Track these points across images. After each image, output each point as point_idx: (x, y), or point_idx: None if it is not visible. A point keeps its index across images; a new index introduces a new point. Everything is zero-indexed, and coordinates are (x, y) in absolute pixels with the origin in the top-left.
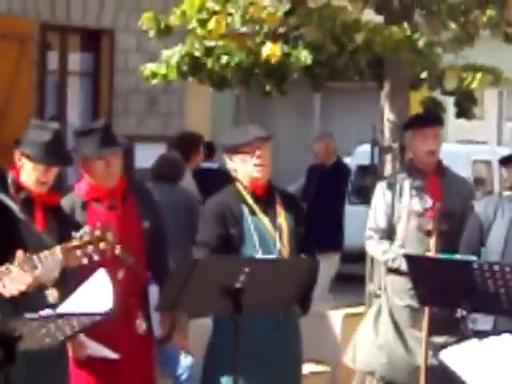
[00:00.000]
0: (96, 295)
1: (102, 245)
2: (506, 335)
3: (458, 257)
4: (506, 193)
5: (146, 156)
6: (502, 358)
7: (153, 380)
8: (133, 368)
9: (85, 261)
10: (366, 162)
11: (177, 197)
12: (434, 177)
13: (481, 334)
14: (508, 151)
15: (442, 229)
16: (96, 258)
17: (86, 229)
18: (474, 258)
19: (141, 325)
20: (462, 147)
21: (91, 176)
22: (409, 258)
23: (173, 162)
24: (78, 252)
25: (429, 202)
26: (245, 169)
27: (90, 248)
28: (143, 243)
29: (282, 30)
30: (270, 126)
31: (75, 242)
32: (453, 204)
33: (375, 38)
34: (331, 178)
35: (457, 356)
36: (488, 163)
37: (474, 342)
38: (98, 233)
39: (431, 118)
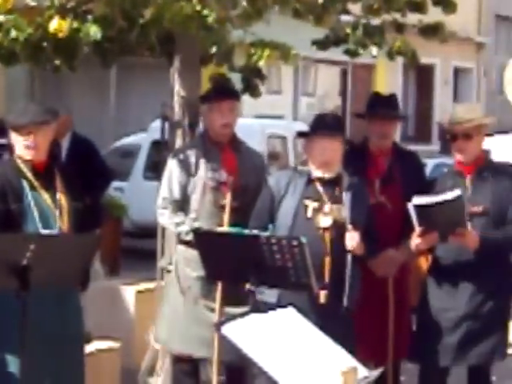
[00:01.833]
0: None
1: None
2: (289, 308)
3: (246, 231)
4: (300, 167)
5: None
6: (283, 330)
7: None
8: None
9: None
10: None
11: None
12: (228, 151)
13: (266, 306)
14: (303, 126)
15: (235, 203)
16: None
17: None
18: (264, 232)
19: None
20: (256, 122)
21: None
22: (197, 232)
23: None
24: None
25: (223, 176)
26: (17, 147)
27: None
28: None
29: (71, 4)
30: (65, 102)
31: None
32: (247, 178)
33: (164, 13)
34: (68, 156)
35: (238, 329)
36: (283, 138)
37: (256, 314)
38: None
39: (227, 91)
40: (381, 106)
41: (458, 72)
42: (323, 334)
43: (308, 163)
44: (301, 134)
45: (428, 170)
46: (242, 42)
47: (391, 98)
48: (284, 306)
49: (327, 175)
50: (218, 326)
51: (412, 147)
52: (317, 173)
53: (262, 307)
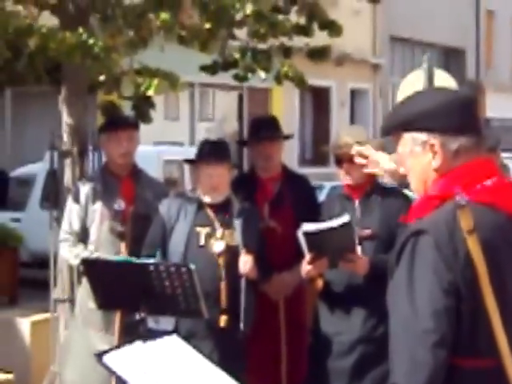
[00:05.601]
0: None
1: None
2: (173, 336)
3: (134, 259)
4: (190, 193)
5: None
6: (166, 358)
7: None
8: None
9: None
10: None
11: None
12: (127, 179)
13: (151, 334)
14: None
15: (133, 232)
16: None
17: None
18: (152, 259)
19: None
20: (152, 148)
21: None
22: (86, 261)
23: None
24: None
25: (121, 205)
26: None
27: None
28: None
29: None
30: None
31: None
32: (147, 207)
33: (49, 43)
34: None
35: (120, 358)
36: (179, 164)
37: (140, 343)
38: None
39: (123, 120)
40: (262, 129)
41: (354, 93)
42: (208, 362)
43: (197, 189)
44: (187, 161)
45: (325, 193)
46: (129, 70)
47: (271, 120)
48: (169, 334)
49: (216, 200)
50: (100, 355)
51: (310, 170)
52: (206, 198)
53: (147, 335)
